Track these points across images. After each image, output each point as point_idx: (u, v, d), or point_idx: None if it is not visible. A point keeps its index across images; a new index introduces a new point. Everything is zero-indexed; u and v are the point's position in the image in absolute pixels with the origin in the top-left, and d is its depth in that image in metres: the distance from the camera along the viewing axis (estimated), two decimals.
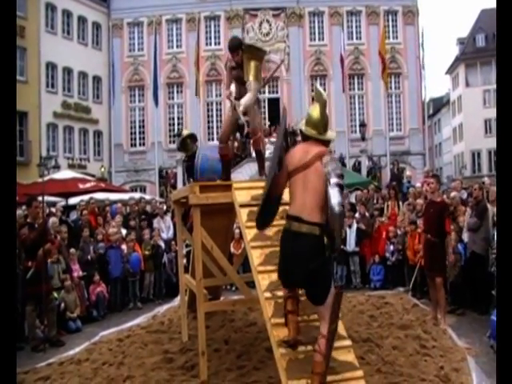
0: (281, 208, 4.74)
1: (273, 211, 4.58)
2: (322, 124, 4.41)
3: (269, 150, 10.56)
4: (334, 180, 4.13)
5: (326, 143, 4.48)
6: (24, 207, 9.69)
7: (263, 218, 4.53)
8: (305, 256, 4.09)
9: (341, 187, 4.16)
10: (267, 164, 5.40)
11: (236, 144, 21.86)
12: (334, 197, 4.06)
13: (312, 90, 30.81)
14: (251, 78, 5.97)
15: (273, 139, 22.43)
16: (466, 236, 9.72)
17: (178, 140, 9.20)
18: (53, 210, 12.09)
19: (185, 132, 9.31)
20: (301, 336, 4.32)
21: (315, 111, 4.44)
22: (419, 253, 9.87)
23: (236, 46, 6.13)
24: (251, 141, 6.78)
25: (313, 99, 7.88)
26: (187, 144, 8.50)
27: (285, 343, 4.29)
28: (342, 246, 11.46)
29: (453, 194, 11.25)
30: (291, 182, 4.30)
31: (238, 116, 6.10)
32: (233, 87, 6.30)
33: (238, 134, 6.77)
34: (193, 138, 8.66)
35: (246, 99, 6.00)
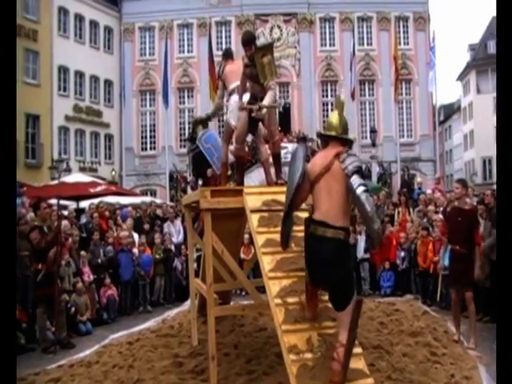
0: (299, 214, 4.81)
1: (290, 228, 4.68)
2: (341, 126, 4.38)
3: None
4: (350, 168, 4.10)
5: (346, 145, 4.43)
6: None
7: (286, 236, 4.64)
8: (330, 261, 4.11)
9: (359, 173, 4.13)
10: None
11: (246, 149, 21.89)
12: (355, 183, 4.04)
13: (323, 96, 30.87)
14: (268, 76, 5.88)
15: (283, 144, 22.43)
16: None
17: (190, 125, 8.98)
18: (65, 213, 12.13)
19: (198, 116, 8.91)
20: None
21: (334, 117, 4.45)
22: (438, 262, 9.60)
23: (250, 39, 6.10)
24: (268, 144, 6.60)
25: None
26: (198, 130, 8.25)
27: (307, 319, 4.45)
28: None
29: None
30: (315, 189, 4.28)
31: (261, 116, 5.97)
32: (245, 97, 6.23)
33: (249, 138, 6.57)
34: (205, 124, 8.32)
35: (268, 100, 5.88)
